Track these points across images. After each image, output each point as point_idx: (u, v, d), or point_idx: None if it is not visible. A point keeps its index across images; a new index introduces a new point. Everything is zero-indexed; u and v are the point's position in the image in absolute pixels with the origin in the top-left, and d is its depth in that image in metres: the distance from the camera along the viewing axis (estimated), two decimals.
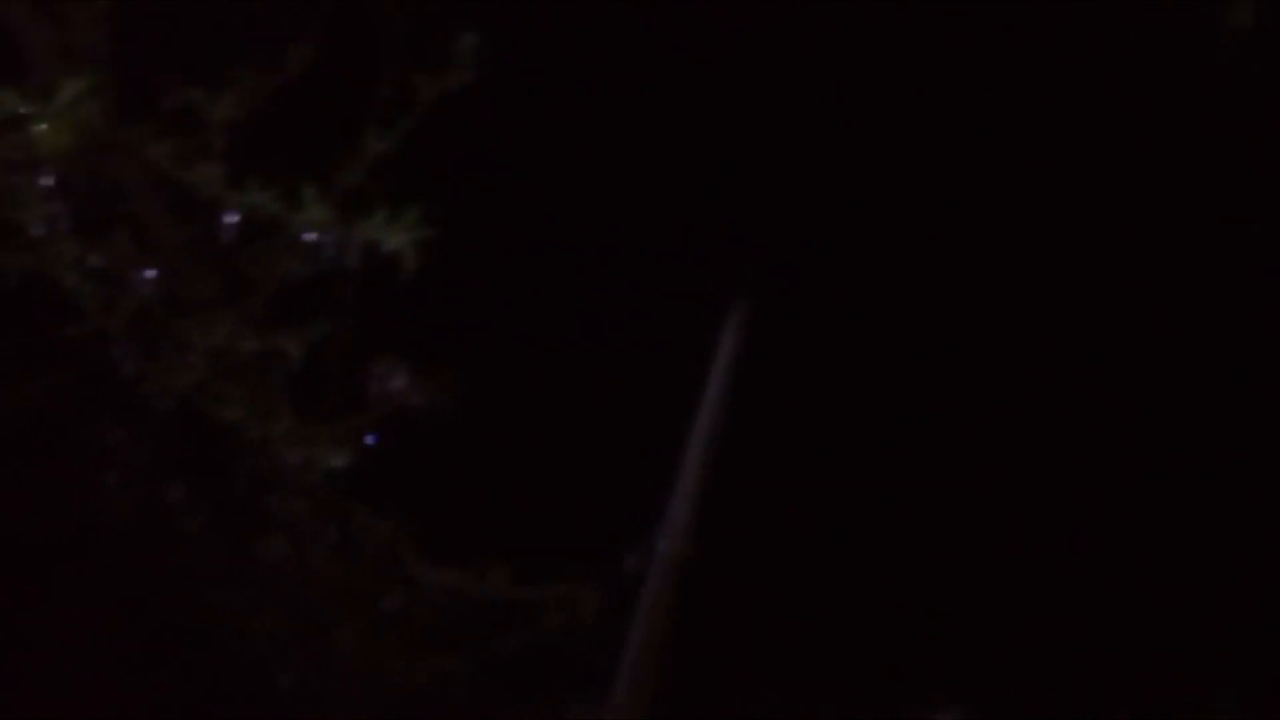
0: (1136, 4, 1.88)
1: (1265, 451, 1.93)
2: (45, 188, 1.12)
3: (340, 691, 1.67)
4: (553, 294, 2.01)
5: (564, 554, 1.84)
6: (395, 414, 1.51)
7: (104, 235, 1.24)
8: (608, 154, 1.93)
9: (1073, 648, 1.94)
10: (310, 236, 1.14)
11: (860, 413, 2.08)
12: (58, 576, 1.78)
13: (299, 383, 1.45)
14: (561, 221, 1.96)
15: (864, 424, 2.07)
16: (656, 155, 1.99)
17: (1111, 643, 1.97)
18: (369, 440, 1.27)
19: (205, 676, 1.72)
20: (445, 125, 1.48)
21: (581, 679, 1.82)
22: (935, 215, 2.07)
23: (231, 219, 1.16)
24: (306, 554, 1.59)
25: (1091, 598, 1.97)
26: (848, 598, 2.05)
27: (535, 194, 1.91)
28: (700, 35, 1.96)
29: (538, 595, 1.60)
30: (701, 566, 1.87)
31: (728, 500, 1.94)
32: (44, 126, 1.02)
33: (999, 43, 1.94)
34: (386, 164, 1.30)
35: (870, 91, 2.01)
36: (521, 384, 1.98)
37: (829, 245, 2.06)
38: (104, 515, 1.80)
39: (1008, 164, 2.00)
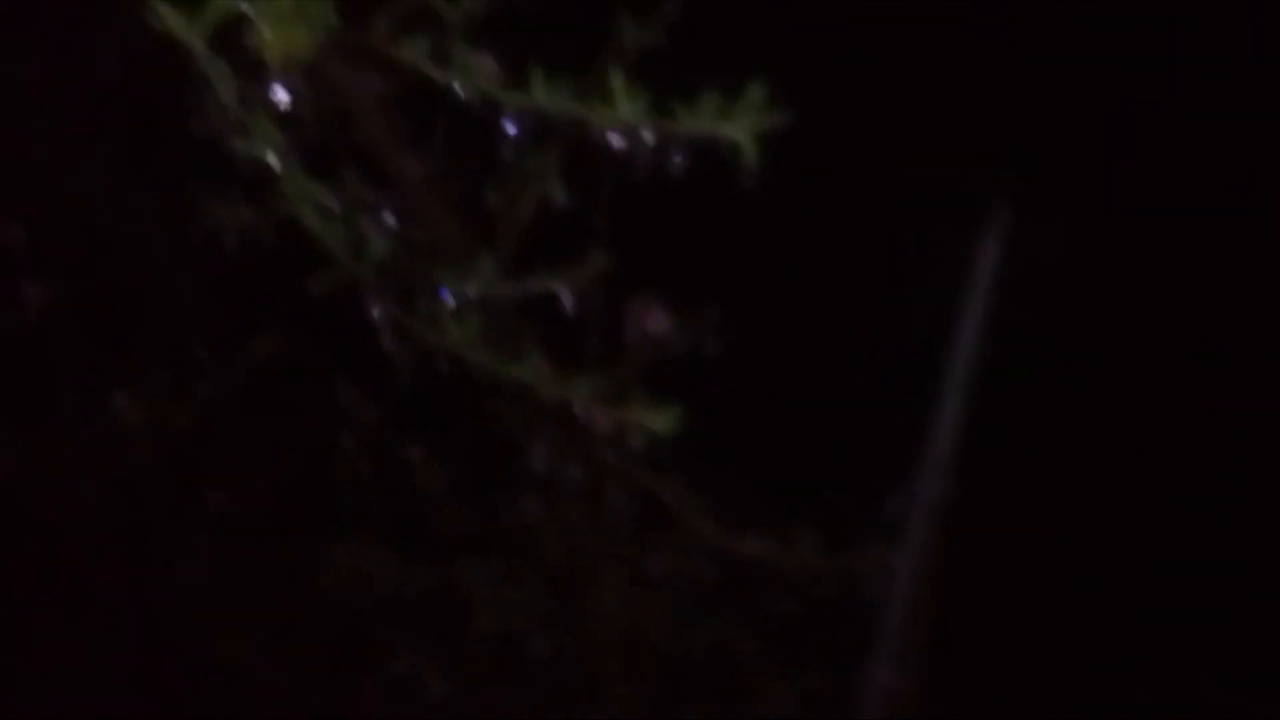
0: None
1: None
2: (278, 110, 0.91)
3: (601, 659, 1.50)
4: (795, 212, 1.77)
5: (820, 500, 1.63)
6: (655, 360, 1.30)
7: (332, 172, 1.04)
8: (868, 52, 1.67)
9: None
10: (617, 139, 0.89)
11: (1143, 326, 1.80)
12: (287, 543, 1.67)
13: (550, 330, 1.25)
14: (808, 129, 1.70)
15: (1148, 341, 1.79)
16: (910, 43, 1.71)
17: None
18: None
19: (454, 645, 1.59)
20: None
21: (850, 635, 1.63)
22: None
23: (510, 128, 0.91)
24: (563, 514, 1.41)
25: None
26: (1129, 535, 1.79)
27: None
28: None
29: (844, 564, 1.37)
30: (966, 508, 1.66)
31: (994, 435, 1.71)
32: (271, 30, 0.81)
33: None
34: (649, 60, 1.06)
35: None
36: (764, 315, 1.75)
37: (1104, 135, 1.75)
38: (339, 479, 1.68)
39: None
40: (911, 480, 1.63)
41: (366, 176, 1.03)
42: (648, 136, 0.82)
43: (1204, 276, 1.78)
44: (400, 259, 0.99)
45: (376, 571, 1.44)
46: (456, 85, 0.87)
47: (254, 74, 0.84)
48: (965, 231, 1.65)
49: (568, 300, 1.00)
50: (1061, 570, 1.77)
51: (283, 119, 0.88)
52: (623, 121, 0.83)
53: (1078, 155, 1.73)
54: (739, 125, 0.82)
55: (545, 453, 1.21)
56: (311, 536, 1.52)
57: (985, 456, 1.65)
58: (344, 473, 1.56)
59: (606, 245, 1.19)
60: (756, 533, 1.32)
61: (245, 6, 0.77)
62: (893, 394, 1.70)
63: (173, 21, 0.77)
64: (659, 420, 0.94)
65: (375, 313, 0.98)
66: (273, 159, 0.88)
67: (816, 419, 1.77)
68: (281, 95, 0.85)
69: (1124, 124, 1.74)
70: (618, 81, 0.83)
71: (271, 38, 0.77)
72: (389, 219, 1.02)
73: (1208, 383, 1.79)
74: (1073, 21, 1.72)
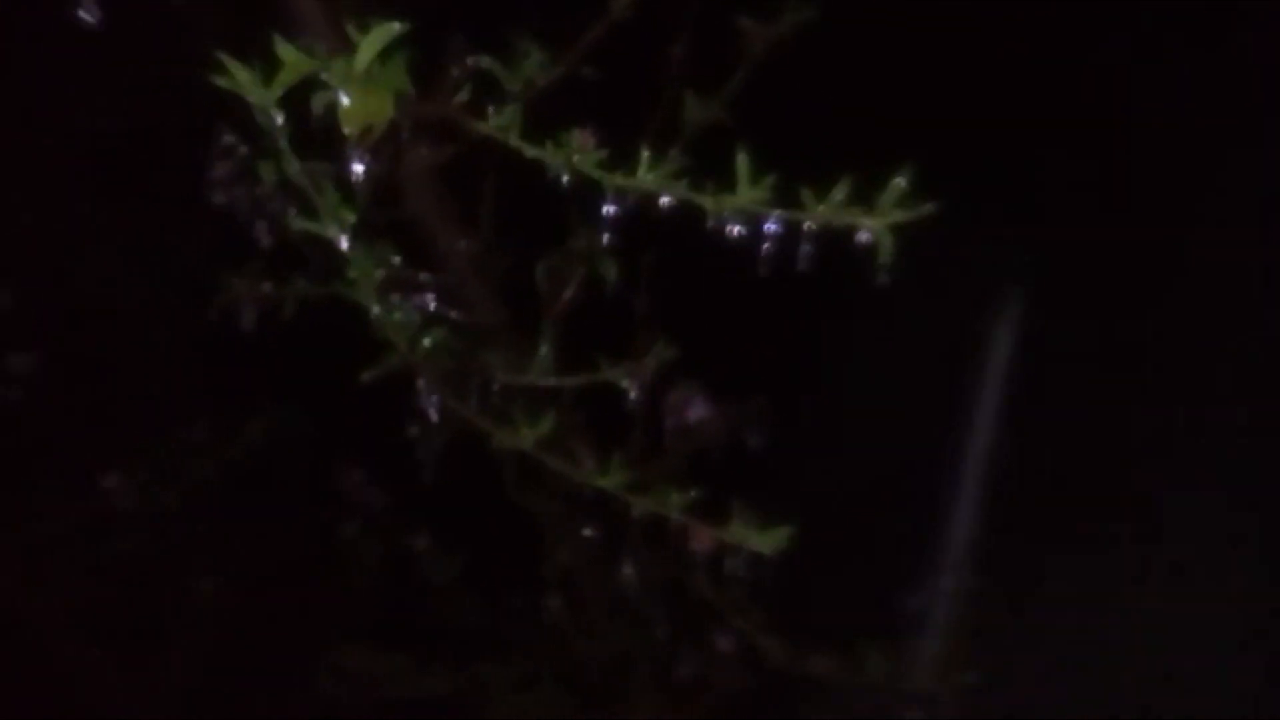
0: None
1: None
2: (349, 181, 0.83)
3: None
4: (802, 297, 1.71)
5: (837, 594, 1.56)
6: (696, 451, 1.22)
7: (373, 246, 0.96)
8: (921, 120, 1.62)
9: None
10: (736, 227, 0.81)
11: (1162, 411, 1.75)
12: (282, 630, 1.56)
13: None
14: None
15: (1167, 426, 1.75)
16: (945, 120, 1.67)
17: None
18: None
19: None
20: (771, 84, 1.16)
21: None
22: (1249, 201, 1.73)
23: (609, 208, 0.83)
24: (588, 612, 1.31)
25: None
26: (1154, 617, 1.73)
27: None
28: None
29: (908, 686, 1.29)
30: (990, 599, 1.59)
31: (1016, 523, 1.65)
32: (348, 99, 0.73)
33: None
34: (716, 134, 0.99)
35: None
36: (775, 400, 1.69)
37: (1120, 214, 1.72)
38: (338, 566, 1.57)
39: None
40: (932, 573, 1.57)
41: (413, 253, 0.96)
42: (771, 227, 0.74)
43: (1222, 357, 1.75)
44: (451, 344, 0.91)
45: (385, 673, 1.33)
46: (551, 164, 0.78)
47: (310, 146, 0.76)
48: (978, 321, 1.61)
49: (632, 394, 0.92)
50: (1085, 655, 1.71)
51: (343, 194, 0.80)
52: (744, 210, 0.74)
53: (1091, 240, 1.70)
54: (879, 218, 0.74)
55: (591, 551, 1.12)
56: (315, 634, 1.42)
57: (1007, 545, 1.59)
58: (349, 565, 1.47)
59: (649, 329, 1.12)
60: (807, 645, 1.23)
61: (323, 73, 0.69)
62: (909, 487, 1.65)
63: (247, 83, 0.69)
64: (765, 541, 0.84)
65: (428, 403, 0.89)
66: (340, 237, 0.80)
67: (832, 513, 1.71)
68: (356, 168, 0.76)
69: (1137, 210, 1.72)
70: (743, 165, 0.74)
71: (352, 109, 0.69)
72: (436, 300, 0.94)
73: (1231, 467, 1.75)
74: (1086, 111, 1.70)
